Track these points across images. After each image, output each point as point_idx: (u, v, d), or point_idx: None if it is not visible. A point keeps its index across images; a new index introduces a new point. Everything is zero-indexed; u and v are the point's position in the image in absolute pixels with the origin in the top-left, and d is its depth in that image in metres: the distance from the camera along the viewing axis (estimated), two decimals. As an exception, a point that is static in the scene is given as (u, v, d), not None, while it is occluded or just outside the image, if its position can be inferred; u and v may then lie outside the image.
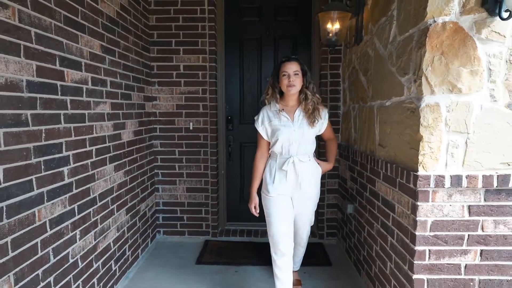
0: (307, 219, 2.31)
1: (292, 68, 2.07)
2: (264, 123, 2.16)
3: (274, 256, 2.15)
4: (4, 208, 1.39)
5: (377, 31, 2.22)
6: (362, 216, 2.54)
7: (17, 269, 1.46)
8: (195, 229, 3.41)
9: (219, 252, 3.13)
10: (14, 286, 1.44)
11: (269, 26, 3.39)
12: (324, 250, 3.19)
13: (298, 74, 2.08)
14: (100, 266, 2.23)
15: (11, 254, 1.42)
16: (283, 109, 2.14)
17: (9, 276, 1.41)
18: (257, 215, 2.25)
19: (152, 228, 3.26)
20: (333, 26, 2.58)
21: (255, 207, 2.23)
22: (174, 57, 3.20)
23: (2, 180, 1.37)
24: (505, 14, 1.46)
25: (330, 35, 2.62)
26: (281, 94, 2.18)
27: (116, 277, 2.47)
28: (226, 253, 3.11)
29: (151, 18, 3.14)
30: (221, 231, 3.52)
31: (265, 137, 2.18)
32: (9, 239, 1.41)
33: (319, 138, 2.41)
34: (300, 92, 2.13)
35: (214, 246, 3.26)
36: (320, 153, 3.09)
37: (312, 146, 2.19)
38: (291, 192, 2.16)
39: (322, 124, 2.21)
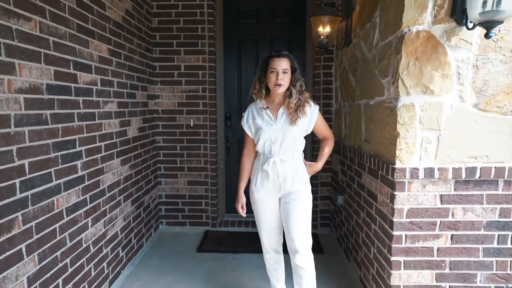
0: (299, 225, 2.00)
1: (282, 66, 1.92)
2: (248, 121, 2.08)
3: (262, 249, 2.22)
4: (29, 196, 1.58)
5: (363, 35, 2.40)
6: (351, 207, 2.74)
7: (40, 250, 1.66)
8: (196, 220, 3.61)
9: (218, 241, 3.34)
10: (38, 264, 1.64)
11: (266, 27, 3.57)
12: (317, 239, 3.39)
13: (287, 73, 1.93)
14: (109, 252, 2.43)
15: (35, 237, 1.63)
16: (267, 107, 2.03)
17: (34, 255, 1.62)
18: (244, 215, 2.17)
19: (155, 219, 3.47)
20: (324, 29, 2.76)
21: (242, 207, 2.16)
22: (175, 57, 3.39)
23: (27, 172, 1.57)
24: (470, 25, 1.65)
25: (322, 37, 2.80)
26: (268, 89, 2.04)
27: (123, 262, 2.68)
28: (225, 242, 3.31)
29: (153, 20, 3.32)
30: (220, 222, 3.72)
31: (250, 135, 2.10)
32: (33, 223, 1.61)
33: (313, 135, 2.41)
34: (287, 89, 1.99)
35: (213, 235, 3.47)
36: (316, 149, 3.28)
37: (298, 145, 2.04)
38: (275, 193, 2.06)
39: (310, 123, 2.03)
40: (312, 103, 2.05)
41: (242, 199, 2.16)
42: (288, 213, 2.03)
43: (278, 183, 2.03)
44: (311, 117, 2.04)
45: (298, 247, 2.00)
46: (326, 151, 2.15)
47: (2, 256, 1.42)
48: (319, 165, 2.15)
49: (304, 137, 2.09)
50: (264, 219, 2.11)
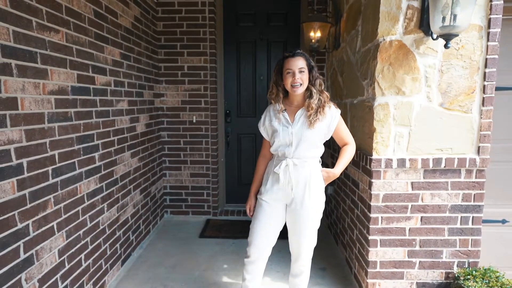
0: (305, 234, 1.94)
1: (298, 65, 1.82)
2: (265, 124, 1.99)
3: (245, 258, 2.03)
4: (59, 182, 1.87)
5: (349, 41, 2.67)
6: (339, 196, 3.03)
7: (67, 228, 1.95)
8: (198, 209, 3.91)
9: (219, 228, 3.63)
10: (66, 240, 1.93)
11: (263, 30, 3.84)
12: (310, 227, 3.68)
13: (304, 72, 1.83)
14: (121, 235, 2.72)
15: (63, 217, 1.91)
16: (285, 109, 1.92)
17: (62, 232, 1.90)
18: (250, 215, 2.10)
19: (160, 208, 3.76)
20: (315, 34, 3.03)
21: (250, 209, 2.09)
22: (179, 58, 3.66)
23: (57, 161, 1.85)
24: (434, 36, 1.92)
25: (313, 41, 3.07)
26: (286, 92, 1.95)
27: (133, 245, 2.97)
28: (225, 229, 3.60)
29: (159, 24, 3.59)
30: (220, 211, 4.01)
31: (266, 138, 2.03)
32: (62, 205, 1.90)
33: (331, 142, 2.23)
34: (306, 89, 1.88)
35: (214, 223, 3.76)
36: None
37: (314, 151, 1.91)
38: (284, 198, 1.94)
39: (329, 127, 1.90)
40: (333, 106, 1.92)
41: (252, 201, 2.09)
42: (297, 225, 1.94)
43: (289, 188, 1.90)
44: (331, 121, 1.90)
45: (302, 256, 2.01)
46: (346, 157, 1.97)
47: (40, 230, 1.71)
48: (336, 171, 1.95)
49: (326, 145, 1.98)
50: (262, 224, 1.96)
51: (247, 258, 2.02)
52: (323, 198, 1.97)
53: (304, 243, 1.97)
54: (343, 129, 1.96)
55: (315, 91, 1.87)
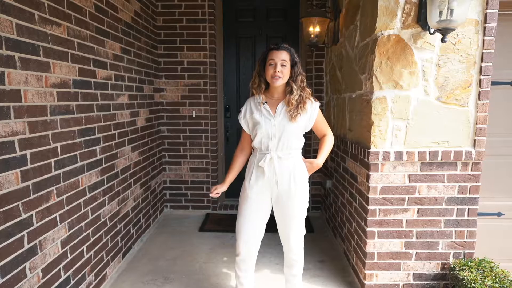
0: (293, 224, 2.01)
1: (280, 58, 1.85)
2: (246, 116, 2.01)
3: (236, 252, 2.05)
4: (61, 174, 1.89)
5: (348, 36, 2.69)
6: (337, 189, 3.06)
7: (69, 220, 1.98)
8: (198, 203, 3.94)
9: (218, 222, 3.66)
10: (68, 231, 1.96)
11: (262, 26, 3.86)
12: (309, 221, 3.71)
13: (285, 66, 1.86)
14: (122, 227, 2.75)
15: (65, 208, 1.94)
16: (266, 102, 1.95)
17: (65, 223, 1.93)
18: (212, 195, 2.06)
19: (160, 202, 3.79)
20: (314, 29, 3.05)
21: (216, 190, 2.06)
22: (179, 53, 3.68)
23: (59, 153, 1.87)
24: (431, 30, 1.95)
25: (312, 36, 3.09)
26: (268, 84, 1.96)
27: (133, 239, 3.00)
28: (225, 223, 3.63)
29: (158, 19, 3.60)
30: (220, 205, 4.04)
31: (247, 130, 2.04)
32: (64, 196, 1.92)
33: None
34: (287, 84, 1.92)
35: (214, 217, 3.80)
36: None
37: (296, 142, 1.95)
38: (269, 191, 1.98)
39: (309, 119, 1.96)
40: (313, 99, 1.98)
41: (223, 188, 2.09)
42: (285, 217, 2.00)
43: (274, 180, 1.94)
44: (311, 113, 1.96)
45: (293, 247, 2.06)
46: (327, 147, 2.06)
47: (43, 221, 1.73)
48: (319, 161, 2.03)
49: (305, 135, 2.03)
50: (249, 218, 2.00)
51: (237, 256, 2.05)
52: (307, 188, 2.03)
53: (293, 234, 2.03)
54: (321, 121, 2.05)
55: (295, 87, 1.90)
